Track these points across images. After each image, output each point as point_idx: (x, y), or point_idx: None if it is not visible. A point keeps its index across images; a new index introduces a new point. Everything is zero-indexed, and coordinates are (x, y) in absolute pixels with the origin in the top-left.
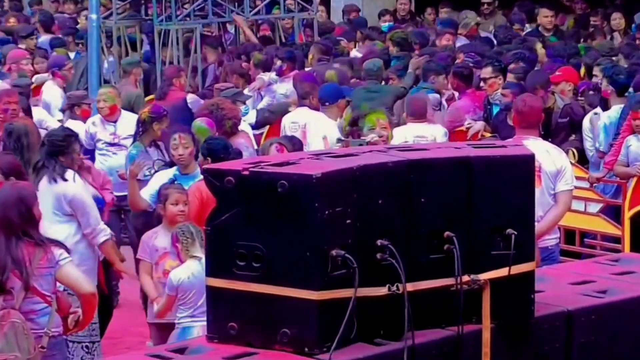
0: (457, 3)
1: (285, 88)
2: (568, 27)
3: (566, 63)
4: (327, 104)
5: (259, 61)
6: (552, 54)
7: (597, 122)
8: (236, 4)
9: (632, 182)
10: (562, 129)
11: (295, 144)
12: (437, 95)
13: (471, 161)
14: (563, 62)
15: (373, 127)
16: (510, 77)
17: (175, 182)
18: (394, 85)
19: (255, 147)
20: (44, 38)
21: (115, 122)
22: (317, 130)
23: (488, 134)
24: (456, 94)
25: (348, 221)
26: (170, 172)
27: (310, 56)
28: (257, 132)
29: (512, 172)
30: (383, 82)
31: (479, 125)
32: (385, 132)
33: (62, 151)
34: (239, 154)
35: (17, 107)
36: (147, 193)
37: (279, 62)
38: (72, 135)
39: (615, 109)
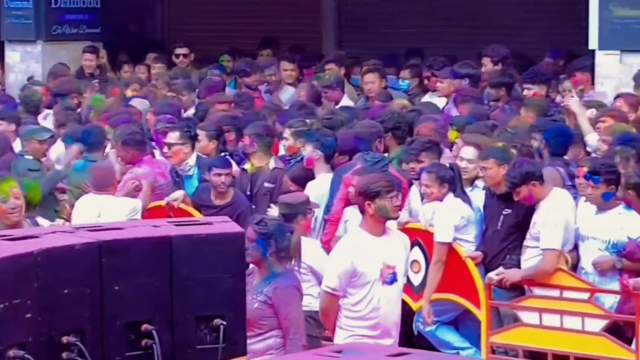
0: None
1: None
2: None
3: None
4: None
5: None
6: None
7: None
8: None
9: None
10: None
11: None
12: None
13: (172, 241)
14: None
15: (6, 198)
16: None
17: None
18: None
19: None
20: None
21: None
22: None
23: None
24: None
25: (28, 315)
26: None
27: None
28: None
29: (220, 251)
30: None
31: (178, 194)
32: (19, 201)
33: None
34: None
35: None
36: None
37: None
38: None
39: None
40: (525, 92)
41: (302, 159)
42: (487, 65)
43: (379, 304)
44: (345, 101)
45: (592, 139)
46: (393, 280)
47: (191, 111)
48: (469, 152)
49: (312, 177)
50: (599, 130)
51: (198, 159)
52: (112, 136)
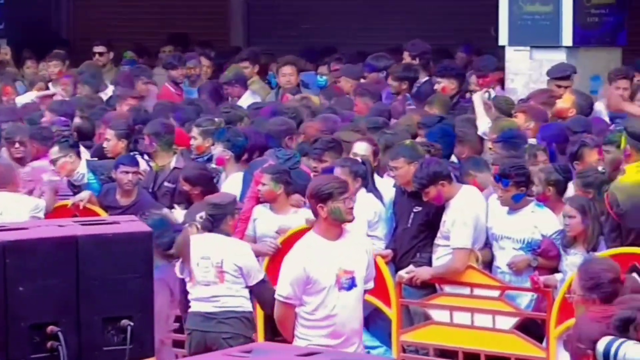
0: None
1: None
2: None
3: None
4: None
5: None
6: None
7: None
8: None
9: (561, 291)
10: None
11: None
12: None
13: (78, 241)
14: None
15: None
16: None
17: None
18: None
19: None
20: None
21: None
22: None
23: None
24: None
25: None
26: None
27: None
28: None
29: (127, 251)
30: None
31: (84, 194)
32: None
33: None
34: None
35: None
36: None
37: None
38: None
39: None
40: (436, 86)
41: (209, 158)
42: (407, 59)
43: (334, 310)
44: (247, 98)
45: (482, 125)
46: (351, 285)
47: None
48: (362, 147)
49: (209, 177)
50: None
51: (89, 163)
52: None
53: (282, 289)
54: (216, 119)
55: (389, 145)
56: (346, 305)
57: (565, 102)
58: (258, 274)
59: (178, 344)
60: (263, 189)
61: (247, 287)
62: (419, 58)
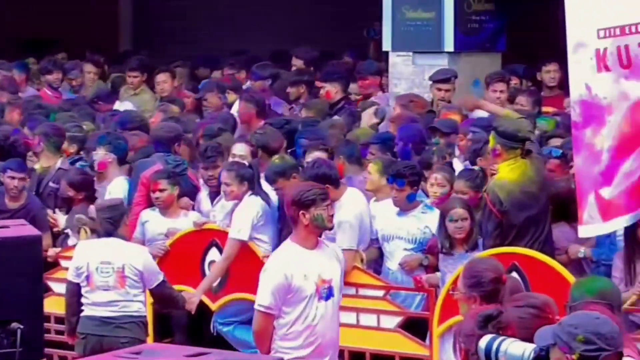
0: None
1: None
2: None
3: None
4: None
5: None
6: None
7: None
8: None
9: (444, 290)
10: None
11: None
12: None
13: None
14: None
15: None
16: None
17: None
18: None
19: None
20: None
21: None
22: None
23: None
24: None
25: None
26: None
27: None
28: None
29: (17, 256)
30: None
31: None
32: None
33: None
34: None
35: None
36: None
37: None
38: None
39: None
40: (321, 92)
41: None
42: (296, 65)
43: (314, 321)
44: (121, 107)
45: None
46: (329, 295)
47: None
48: (240, 148)
49: (91, 181)
50: None
51: None
52: None
53: (263, 299)
54: (84, 126)
55: (260, 146)
56: (325, 315)
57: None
58: (158, 275)
59: (70, 347)
60: (163, 195)
61: (145, 290)
62: (310, 64)
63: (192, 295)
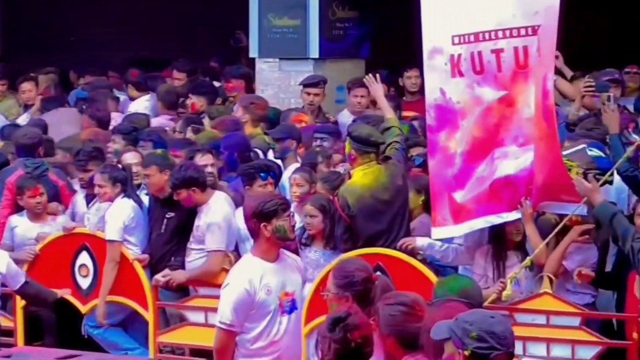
0: None
1: None
2: None
3: None
4: None
5: None
6: None
7: None
8: None
9: (310, 289)
10: None
11: None
12: None
13: None
14: None
15: None
16: None
17: None
18: None
19: None
20: None
21: None
22: None
23: None
24: None
25: None
26: None
27: None
28: None
29: None
30: None
31: None
32: None
33: None
34: None
35: None
36: None
37: None
38: None
39: None
40: (187, 102)
41: None
42: (182, 80)
43: (277, 336)
44: None
45: None
46: (292, 308)
47: None
48: (130, 156)
49: None
50: None
51: None
52: None
53: (224, 316)
54: None
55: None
56: (288, 329)
57: None
58: (21, 277)
59: None
60: (43, 199)
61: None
62: (188, 74)
63: (97, 308)
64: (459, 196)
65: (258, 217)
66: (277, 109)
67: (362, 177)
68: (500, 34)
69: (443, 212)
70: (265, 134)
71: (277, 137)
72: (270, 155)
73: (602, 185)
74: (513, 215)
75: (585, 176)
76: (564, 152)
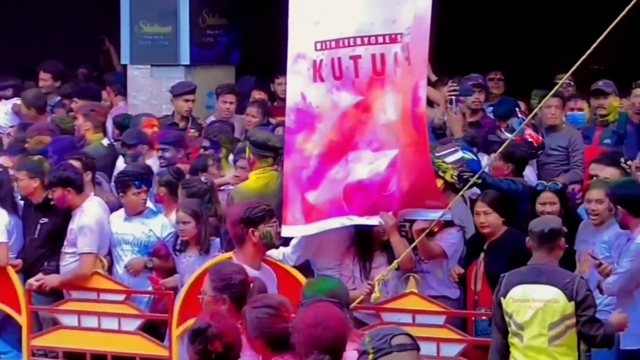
0: None
1: None
2: None
3: None
4: None
5: None
6: None
7: None
8: None
9: (182, 292)
10: None
11: None
12: None
13: None
14: None
15: None
16: None
17: None
18: None
19: None
20: None
21: None
22: None
23: None
24: None
25: None
26: None
27: None
28: None
29: None
30: None
31: None
32: None
33: None
34: None
35: None
36: None
37: None
38: None
39: None
40: (73, 105)
41: None
42: (47, 80)
43: None
44: None
45: None
46: None
47: None
48: (2, 161)
49: None
50: None
51: None
52: None
53: None
54: None
55: None
56: None
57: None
58: None
59: None
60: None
61: None
62: (58, 78)
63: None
64: (311, 197)
65: (246, 223)
66: (131, 115)
67: (255, 181)
68: (359, 40)
69: (294, 211)
70: (118, 140)
71: (130, 142)
72: (120, 161)
73: (470, 187)
74: (366, 220)
75: (459, 178)
76: (437, 154)
